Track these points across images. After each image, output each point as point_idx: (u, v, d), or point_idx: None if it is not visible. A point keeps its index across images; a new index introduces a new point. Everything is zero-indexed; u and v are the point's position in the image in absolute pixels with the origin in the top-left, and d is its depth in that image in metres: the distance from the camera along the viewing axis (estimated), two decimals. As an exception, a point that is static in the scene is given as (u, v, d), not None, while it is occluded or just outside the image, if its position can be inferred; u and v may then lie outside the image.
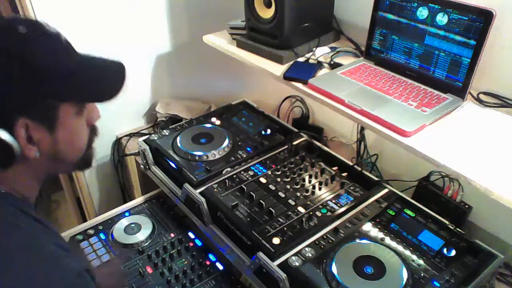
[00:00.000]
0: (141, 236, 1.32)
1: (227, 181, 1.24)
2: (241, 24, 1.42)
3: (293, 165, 1.30)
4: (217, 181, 1.25)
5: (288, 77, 1.21)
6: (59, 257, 0.68)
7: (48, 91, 0.67)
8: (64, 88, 0.69)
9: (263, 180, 1.25)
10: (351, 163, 1.32)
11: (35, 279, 0.62)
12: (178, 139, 1.40)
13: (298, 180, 1.24)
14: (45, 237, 0.70)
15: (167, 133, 1.45)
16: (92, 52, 0.76)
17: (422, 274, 0.97)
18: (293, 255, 1.01)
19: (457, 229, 1.08)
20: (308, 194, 1.19)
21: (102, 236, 1.34)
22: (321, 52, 1.32)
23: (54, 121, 0.70)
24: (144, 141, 1.43)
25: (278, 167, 1.29)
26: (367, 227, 1.10)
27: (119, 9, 1.57)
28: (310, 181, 1.24)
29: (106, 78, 0.77)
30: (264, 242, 1.03)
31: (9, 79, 0.64)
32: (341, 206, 1.15)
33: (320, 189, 1.21)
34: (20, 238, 0.66)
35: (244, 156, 1.34)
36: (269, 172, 1.28)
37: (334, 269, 0.96)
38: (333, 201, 1.17)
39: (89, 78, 0.74)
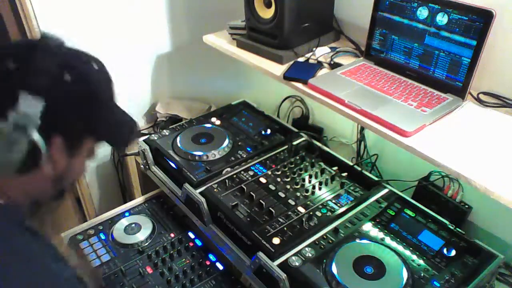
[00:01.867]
0: (141, 236, 1.32)
1: (227, 181, 1.24)
2: (241, 24, 1.42)
3: (293, 165, 1.30)
4: (217, 181, 1.25)
5: (288, 77, 1.21)
6: (48, 265, 0.70)
7: (91, 124, 0.75)
8: (100, 125, 0.77)
9: (263, 180, 1.24)
10: (351, 163, 1.32)
11: (24, 286, 0.64)
12: (178, 139, 1.40)
13: (298, 180, 1.24)
14: (35, 246, 0.72)
15: (167, 133, 1.45)
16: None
17: (422, 274, 0.97)
18: (293, 255, 1.01)
19: (457, 229, 1.08)
20: (308, 194, 1.19)
21: (102, 236, 1.34)
22: (321, 52, 1.32)
23: (77, 149, 0.75)
24: (144, 141, 1.43)
25: (278, 167, 1.29)
26: (367, 227, 1.10)
27: (119, 9, 1.57)
28: (310, 181, 1.24)
29: (124, 129, 0.85)
30: (264, 242, 1.03)
31: (77, 103, 0.70)
32: (341, 206, 1.15)
33: (320, 189, 1.21)
34: (10, 248, 0.67)
35: (244, 156, 1.34)
36: (269, 172, 1.28)
37: (334, 269, 0.96)
38: (333, 201, 1.17)
39: (115, 124, 0.81)
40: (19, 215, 0.73)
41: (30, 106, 0.64)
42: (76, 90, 0.70)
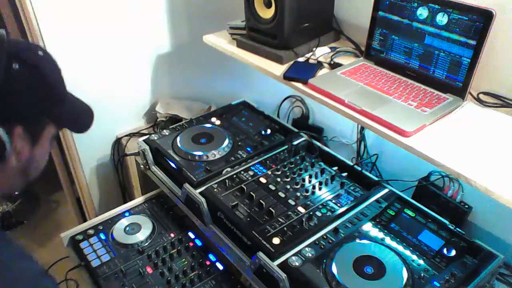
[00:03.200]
0: (141, 236, 1.32)
1: (227, 181, 1.24)
2: (241, 24, 1.42)
3: (293, 165, 1.30)
4: (217, 181, 1.25)
5: (288, 77, 1.21)
6: (15, 264, 0.70)
7: (47, 109, 0.76)
8: (56, 111, 0.78)
9: (263, 180, 1.24)
10: (351, 163, 1.32)
11: None
12: (178, 139, 1.40)
13: (298, 180, 1.24)
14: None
15: (167, 133, 1.45)
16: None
17: (422, 274, 0.97)
18: (293, 255, 1.01)
19: (457, 229, 1.08)
20: (308, 194, 1.19)
21: (102, 236, 1.34)
22: (321, 52, 1.32)
23: (38, 138, 0.76)
24: (144, 141, 1.43)
25: (278, 167, 1.29)
26: (367, 227, 1.10)
27: (119, 9, 1.57)
28: (310, 181, 1.24)
29: (82, 114, 0.88)
30: (264, 242, 1.03)
31: (29, 89, 0.71)
32: (341, 206, 1.15)
33: (320, 189, 1.21)
34: None
35: (244, 156, 1.34)
36: (269, 172, 1.28)
37: (334, 269, 0.96)
38: (333, 201, 1.17)
39: (73, 109, 0.84)
40: None
41: None
42: (26, 78, 0.71)
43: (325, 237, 1.07)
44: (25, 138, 0.73)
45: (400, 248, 1.04)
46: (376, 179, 1.27)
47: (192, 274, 1.20)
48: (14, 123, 0.70)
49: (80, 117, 0.87)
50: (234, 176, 1.26)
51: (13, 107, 0.70)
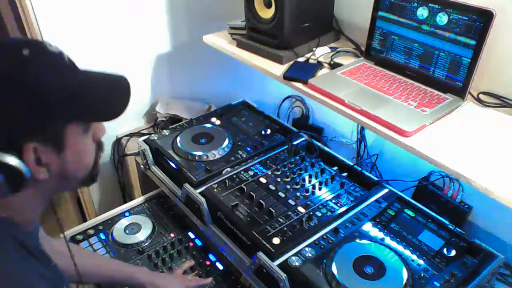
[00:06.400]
0: (141, 236, 1.32)
1: (227, 181, 1.24)
2: (241, 24, 1.42)
3: (293, 165, 1.30)
4: (217, 181, 1.25)
5: (288, 77, 1.21)
6: (29, 277, 0.68)
7: (54, 113, 0.66)
8: (69, 108, 0.68)
9: (263, 180, 1.24)
10: (351, 163, 1.32)
11: None
12: (178, 139, 1.40)
13: (298, 180, 1.24)
14: (27, 265, 0.69)
15: (167, 133, 1.45)
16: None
17: (422, 274, 0.97)
18: (293, 255, 1.01)
19: (457, 229, 1.08)
20: (308, 194, 1.19)
21: (102, 236, 1.34)
22: (321, 52, 1.32)
23: (61, 142, 0.69)
24: (144, 141, 1.43)
25: (278, 167, 1.29)
26: (367, 227, 1.10)
27: (119, 9, 1.57)
28: (310, 181, 1.24)
29: (111, 97, 0.75)
30: (264, 242, 1.03)
31: (14, 104, 0.62)
32: (341, 206, 1.15)
33: (320, 189, 1.21)
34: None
35: (244, 156, 1.34)
36: (269, 172, 1.28)
37: (334, 269, 0.96)
38: (333, 201, 1.17)
39: (95, 97, 0.72)
40: (12, 229, 0.70)
41: None
42: (10, 93, 0.62)
43: (325, 237, 1.07)
44: (44, 149, 0.66)
45: (400, 248, 1.04)
46: (376, 179, 1.27)
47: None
48: (22, 142, 0.64)
49: (107, 101, 0.74)
50: (234, 176, 1.26)
51: (9, 129, 0.63)
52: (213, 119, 1.53)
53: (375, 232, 1.08)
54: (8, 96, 0.62)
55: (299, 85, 1.19)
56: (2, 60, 0.63)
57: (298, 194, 1.18)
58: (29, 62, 0.64)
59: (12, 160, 0.63)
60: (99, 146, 0.80)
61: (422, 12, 1.08)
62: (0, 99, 0.62)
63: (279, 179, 1.24)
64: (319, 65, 1.26)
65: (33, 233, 0.78)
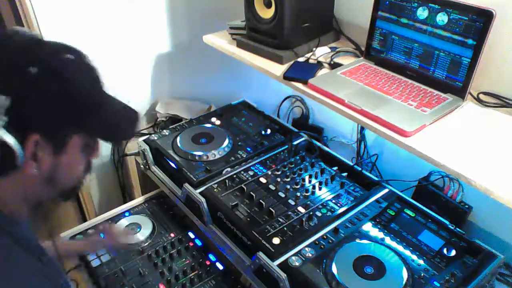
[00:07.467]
0: (141, 236, 1.32)
1: (227, 181, 1.24)
2: (241, 24, 1.42)
3: (293, 165, 1.30)
4: (217, 181, 1.25)
5: (288, 77, 1.21)
6: (29, 276, 0.69)
7: (70, 118, 0.70)
8: (85, 119, 0.71)
9: (263, 180, 1.24)
10: (351, 163, 1.32)
11: None
12: (178, 139, 1.40)
13: (298, 180, 1.24)
14: (23, 263, 0.70)
15: (167, 133, 1.45)
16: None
17: (422, 274, 0.97)
18: (293, 255, 1.01)
19: (457, 229, 1.08)
20: (308, 194, 1.19)
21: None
22: (321, 52, 1.32)
23: (62, 146, 0.71)
24: (144, 141, 1.43)
25: (278, 167, 1.29)
26: (367, 227, 1.10)
27: (120, 9, 1.57)
28: (310, 181, 1.24)
29: (123, 123, 0.80)
30: (264, 242, 1.03)
31: (47, 96, 0.66)
32: (341, 206, 1.15)
33: (320, 189, 1.21)
34: None
35: (244, 156, 1.34)
36: (269, 172, 1.28)
37: (334, 269, 0.96)
38: (333, 201, 1.17)
39: (110, 118, 0.76)
40: (4, 223, 0.71)
41: None
42: (44, 83, 0.65)
43: (325, 237, 1.07)
44: (45, 146, 0.68)
45: (400, 248, 1.04)
46: (376, 179, 1.27)
47: (192, 274, 1.20)
48: (30, 131, 0.66)
49: (116, 127, 0.79)
50: (234, 176, 1.26)
51: (28, 114, 0.65)
52: (213, 119, 1.53)
53: (375, 232, 1.08)
54: (45, 87, 0.65)
55: (299, 85, 1.19)
56: (50, 55, 0.68)
57: (298, 194, 1.18)
58: (72, 65, 0.70)
59: (13, 141, 0.64)
60: (88, 165, 0.82)
61: (422, 12, 1.08)
62: (34, 85, 0.65)
63: (279, 179, 1.24)
64: (319, 65, 1.26)
65: (25, 227, 0.79)
